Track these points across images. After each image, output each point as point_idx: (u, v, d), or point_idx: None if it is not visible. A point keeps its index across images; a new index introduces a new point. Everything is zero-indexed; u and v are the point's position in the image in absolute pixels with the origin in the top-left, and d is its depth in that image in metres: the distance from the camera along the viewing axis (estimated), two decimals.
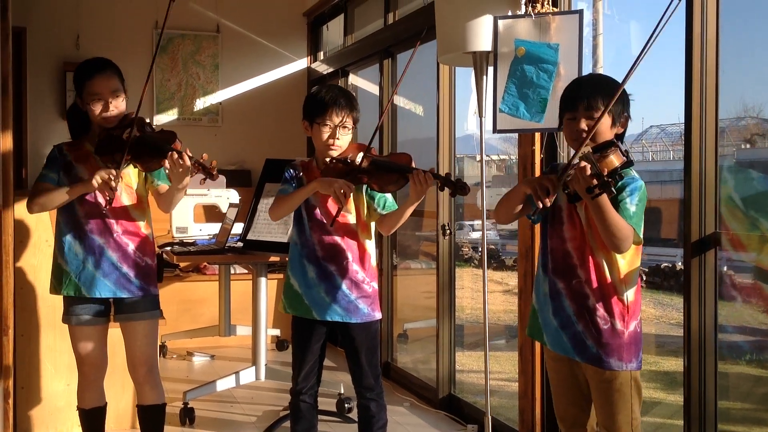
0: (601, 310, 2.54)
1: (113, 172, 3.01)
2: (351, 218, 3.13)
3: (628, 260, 2.55)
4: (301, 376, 3.23)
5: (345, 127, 3.11)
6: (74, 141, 3.28)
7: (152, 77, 6.73)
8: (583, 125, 2.54)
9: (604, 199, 2.35)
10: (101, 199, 3.14)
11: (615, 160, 2.37)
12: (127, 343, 3.30)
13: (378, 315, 3.20)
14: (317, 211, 3.12)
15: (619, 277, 2.54)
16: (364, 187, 3.11)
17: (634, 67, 2.41)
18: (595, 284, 2.54)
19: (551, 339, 2.64)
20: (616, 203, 2.45)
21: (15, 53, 3.74)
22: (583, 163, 2.32)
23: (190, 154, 3.01)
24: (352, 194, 3.03)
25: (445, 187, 2.88)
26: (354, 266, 3.12)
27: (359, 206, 3.14)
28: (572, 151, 2.56)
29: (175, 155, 2.98)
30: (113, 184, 3.01)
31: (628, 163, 2.42)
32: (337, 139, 3.10)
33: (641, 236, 2.51)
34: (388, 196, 3.12)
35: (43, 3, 6.48)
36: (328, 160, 3.07)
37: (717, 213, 2.96)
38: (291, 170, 3.22)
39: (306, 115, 3.17)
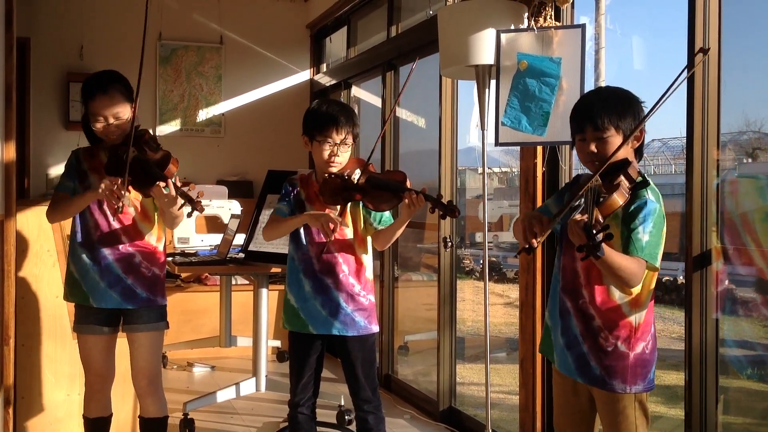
0: (605, 332, 2.46)
1: (118, 182, 2.99)
2: (348, 232, 3.16)
3: (643, 283, 2.45)
4: (299, 388, 3.24)
5: (345, 144, 3.12)
6: (91, 148, 3.29)
7: (156, 87, 6.78)
8: (593, 147, 2.42)
9: (604, 249, 2.16)
10: (107, 209, 3.17)
11: (618, 199, 2.23)
12: (131, 353, 3.30)
13: (375, 328, 3.21)
14: (314, 228, 3.14)
15: (627, 298, 2.46)
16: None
17: (652, 111, 2.33)
18: (600, 305, 2.47)
19: (558, 358, 2.60)
20: (629, 233, 2.35)
21: (19, 64, 3.75)
22: (578, 217, 2.19)
23: (178, 184, 2.98)
24: (350, 209, 3.06)
25: (436, 209, 2.90)
26: (350, 279, 3.14)
27: (356, 220, 3.16)
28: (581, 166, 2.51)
29: (161, 186, 2.96)
30: (119, 192, 2.97)
31: (641, 184, 2.35)
32: (338, 155, 3.11)
33: (657, 264, 2.38)
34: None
35: (48, 14, 6.51)
36: (326, 175, 3.09)
37: (719, 227, 2.97)
38: (289, 186, 3.24)
39: (306, 130, 3.17)
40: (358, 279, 3.15)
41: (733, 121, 3.43)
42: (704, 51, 2.23)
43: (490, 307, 3.74)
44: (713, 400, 2.95)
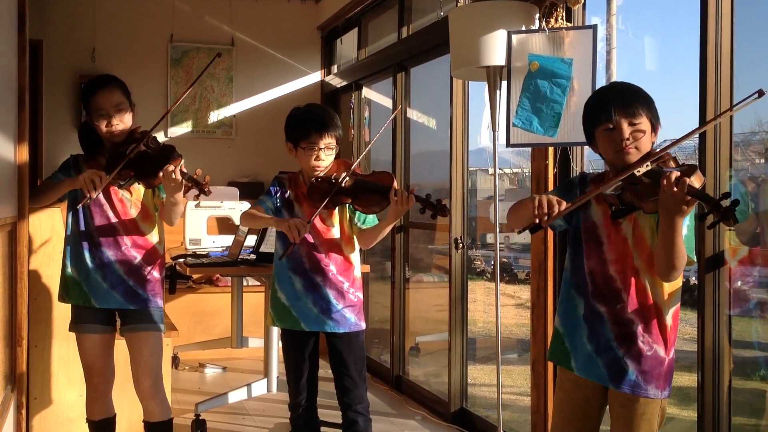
0: (645, 336, 2.38)
1: (102, 174, 3.06)
2: (335, 232, 3.19)
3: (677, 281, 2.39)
4: (299, 388, 3.28)
5: (330, 148, 3.15)
6: (90, 154, 3.31)
7: (167, 89, 6.80)
8: (626, 133, 2.32)
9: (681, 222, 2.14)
10: (110, 212, 3.21)
11: (696, 181, 2.10)
12: (132, 356, 3.29)
13: (363, 325, 3.25)
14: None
15: (663, 298, 2.39)
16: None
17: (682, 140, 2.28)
18: (639, 308, 2.38)
19: (581, 364, 2.47)
20: None
21: (31, 66, 3.77)
22: (686, 179, 2.08)
23: (184, 170, 3.03)
24: (336, 210, 3.14)
25: (426, 209, 2.94)
26: (339, 277, 3.18)
27: (343, 220, 3.21)
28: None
29: (170, 169, 3.00)
30: (97, 184, 3.04)
31: None
32: (323, 160, 3.14)
33: (694, 258, 2.35)
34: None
35: (60, 16, 6.54)
36: (313, 179, 3.13)
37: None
38: (276, 185, 3.27)
39: (289, 137, 3.19)
40: (347, 277, 3.20)
41: (746, 121, 3.41)
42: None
43: (501, 309, 3.74)
44: (726, 402, 2.94)
